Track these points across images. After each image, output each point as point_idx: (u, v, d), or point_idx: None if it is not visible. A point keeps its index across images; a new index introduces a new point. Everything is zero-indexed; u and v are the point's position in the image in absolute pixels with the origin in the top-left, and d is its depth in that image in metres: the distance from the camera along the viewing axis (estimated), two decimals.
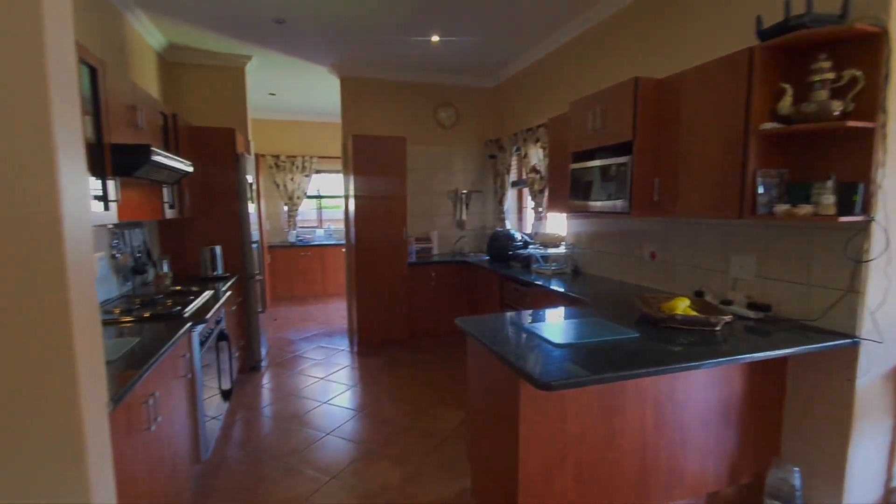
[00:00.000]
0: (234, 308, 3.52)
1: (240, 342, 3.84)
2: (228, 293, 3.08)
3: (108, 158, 2.07)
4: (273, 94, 5.91)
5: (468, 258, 4.76)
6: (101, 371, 1.28)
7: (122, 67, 3.24)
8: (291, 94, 5.87)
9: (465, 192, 5.20)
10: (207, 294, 2.89)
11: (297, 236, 7.10)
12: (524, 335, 1.89)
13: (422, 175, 5.09)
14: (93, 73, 2.01)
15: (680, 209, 2.28)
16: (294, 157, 7.11)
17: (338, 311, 6.36)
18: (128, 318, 2.24)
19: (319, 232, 7.38)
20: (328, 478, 2.46)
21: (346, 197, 4.83)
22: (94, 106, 2.01)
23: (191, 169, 2.80)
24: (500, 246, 4.37)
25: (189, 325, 2.22)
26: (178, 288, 3.06)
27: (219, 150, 3.82)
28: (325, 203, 7.71)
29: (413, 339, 4.68)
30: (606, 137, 2.61)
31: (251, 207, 4.14)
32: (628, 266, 3.12)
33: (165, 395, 1.89)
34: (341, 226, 7.54)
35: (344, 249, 5.09)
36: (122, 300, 2.71)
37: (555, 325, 2.01)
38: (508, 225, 4.93)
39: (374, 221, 4.37)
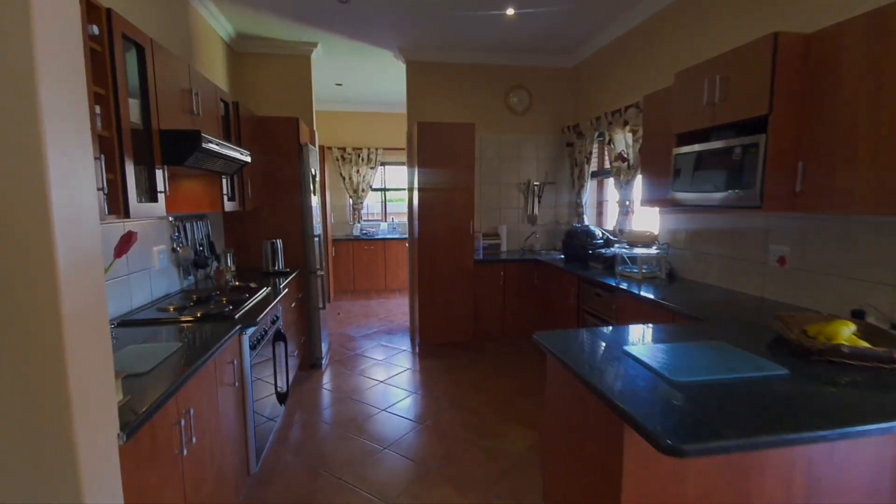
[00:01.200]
0: (293, 304, 3.38)
1: (300, 339, 3.71)
2: (286, 290, 2.92)
3: (156, 145, 1.92)
4: (339, 85, 5.79)
5: (540, 256, 4.34)
6: (109, 394, 1.06)
7: (191, 58, 3.17)
8: (357, 83, 5.71)
9: (537, 183, 4.77)
10: (264, 292, 2.74)
11: (361, 230, 7.02)
12: (625, 363, 1.49)
13: (490, 165, 4.72)
14: (140, 52, 1.85)
15: (835, 202, 1.74)
16: (360, 148, 7.01)
17: (399, 308, 6.19)
18: (178, 318, 2.10)
19: (383, 225, 7.25)
20: (383, 503, 2.20)
21: (410, 189, 4.58)
22: (142, 88, 1.86)
23: (248, 159, 2.65)
24: (578, 244, 3.91)
25: (238, 328, 2.03)
26: (237, 283, 2.95)
27: (282, 140, 3.70)
28: (389, 196, 7.57)
29: (477, 341, 4.36)
30: (727, 113, 2.10)
31: (314, 200, 4.00)
32: (743, 272, 2.57)
33: (207, 408, 1.70)
34: (405, 219, 7.37)
35: (407, 244, 4.84)
36: (180, 296, 2.62)
37: (665, 350, 1.57)
38: (587, 220, 4.43)
39: (439, 215, 4.08)
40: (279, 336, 2.77)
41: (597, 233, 3.90)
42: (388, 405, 3.26)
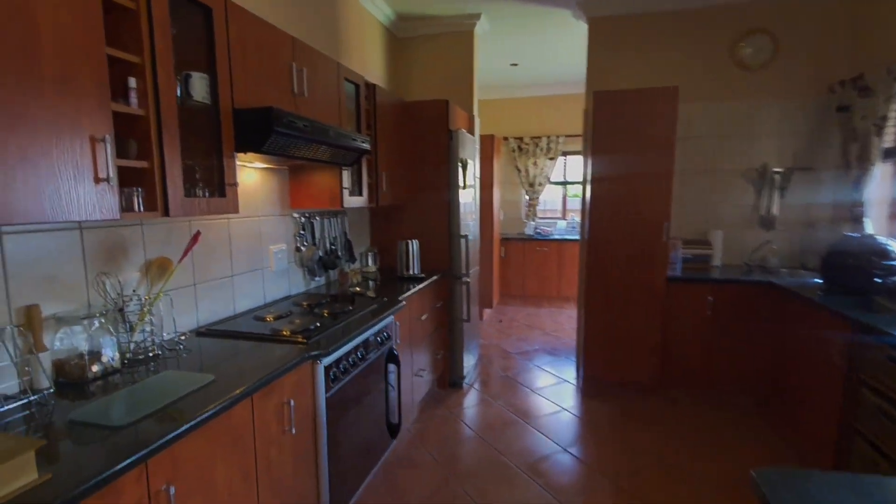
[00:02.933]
0: (423, 316, 2.90)
1: (437, 353, 3.24)
2: (406, 302, 2.44)
3: (226, 129, 1.59)
4: (515, 65, 5.14)
5: (777, 277, 2.91)
6: None
7: (344, 46, 2.96)
8: (534, 59, 4.97)
9: (778, 170, 3.26)
10: (375, 304, 2.30)
11: (536, 228, 6.28)
12: None
13: (700, 146, 3.43)
14: (206, 12, 1.53)
15: None
16: (539, 137, 6.25)
17: (571, 322, 5.25)
18: (253, 333, 1.78)
19: (561, 224, 6.36)
20: None
21: (584, 181, 3.65)
22: (209, 55, 1.54)
23: (365, 146, 2.23)
24: (853, 264, 2.42)
25: (306, 357, 1.59)
26: (358, 290, 2.60)
27: (428, 126, 3.25)
28: (570, 190, 6.61)
29: (663, 386, 3.20)
30: None
31: (467, 195, 3.46)
32: None
33: (217, 477, 1.27)
34: None
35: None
36: (292, 301, 2.37)
37: None
38: (869, 226, 2.79)
39: (618, 213, 3.07)
40: (392, 357, 2.31)
41: (891, 248, 2.35)
42: (528, 459, 2.50)
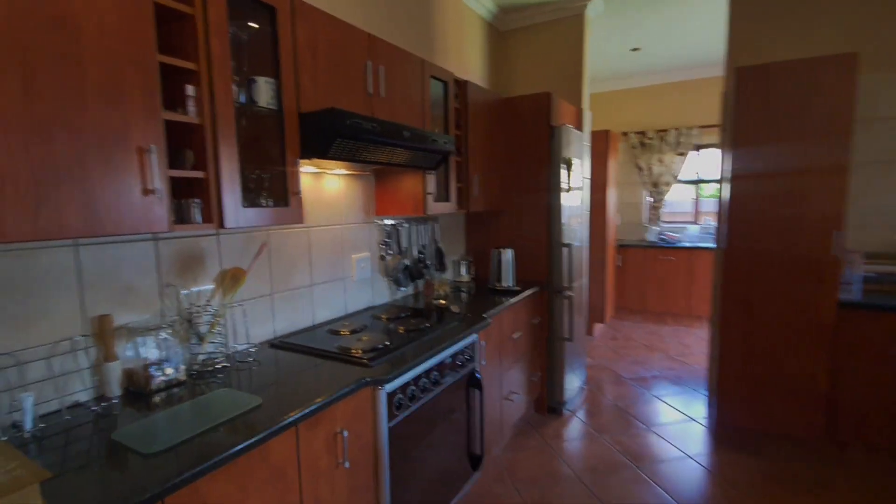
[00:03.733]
0: (516, 335, 2.60)
1: (533, 375, 2.92)
2: (485, 323, 2.18)
3: (290, 134, 1.50)
4: (636, 50, 4.56)
5: None
6: None
7: (446, 45, 2.83)
8: (658, 41, 4.34)
9: None
10: (454, 323, 2.08)
11: (660, 234, 5.51)
12: None
13: (891, 130, 2.59)
14: (271, 12, 1.45)
15: None
16: (665, 130, 5.49)
17: (700, 344, 4.47)
18: (320, 350, 1.68)
19: (693, 229, 5.50)
20: None
21: (721, 179, 3.01)
22: (274, 55, 1.46)
23: (448, 147, 2.03)
24: None
25: (365, 382, 1.43)
26: (442, 302, 2.40)
27: (527, 123, 2.95)
28: (704, 190, 5.69)
29: (832, 443, 2.45)
30: None
31: (572, 198, 3.08)
32: None
33: None
34: None
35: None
36: (373, 312, 2.27)
37: None
38: None
39: (768, 217, 2.44)
40: (474, 381, 2.07)
41: None
42: None
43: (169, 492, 0.93)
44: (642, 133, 5.64)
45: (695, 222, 5.67)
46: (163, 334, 1.41)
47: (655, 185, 5.63)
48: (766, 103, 2.37)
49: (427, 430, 1.76)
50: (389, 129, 1.67)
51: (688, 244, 5.23)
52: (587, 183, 3.61)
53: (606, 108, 5.85)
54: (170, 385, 1.39)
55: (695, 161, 5.56)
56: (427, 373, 1.73)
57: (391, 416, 1.54)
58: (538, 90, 3.58)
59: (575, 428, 2.91)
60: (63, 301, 1.25)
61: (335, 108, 1.46)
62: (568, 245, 2.97)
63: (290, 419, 1.18)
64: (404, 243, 2.59)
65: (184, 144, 1.29)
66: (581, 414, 3.10)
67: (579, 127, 3.49)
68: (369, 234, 2.36)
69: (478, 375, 2.08)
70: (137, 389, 1.36)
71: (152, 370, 1.37)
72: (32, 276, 1.19)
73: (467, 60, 3.29)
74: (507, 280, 2.77)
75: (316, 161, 1.65)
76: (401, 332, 1.91)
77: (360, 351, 1.64)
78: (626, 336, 4.81)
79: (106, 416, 1.21)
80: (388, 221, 2.47)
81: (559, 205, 2.93)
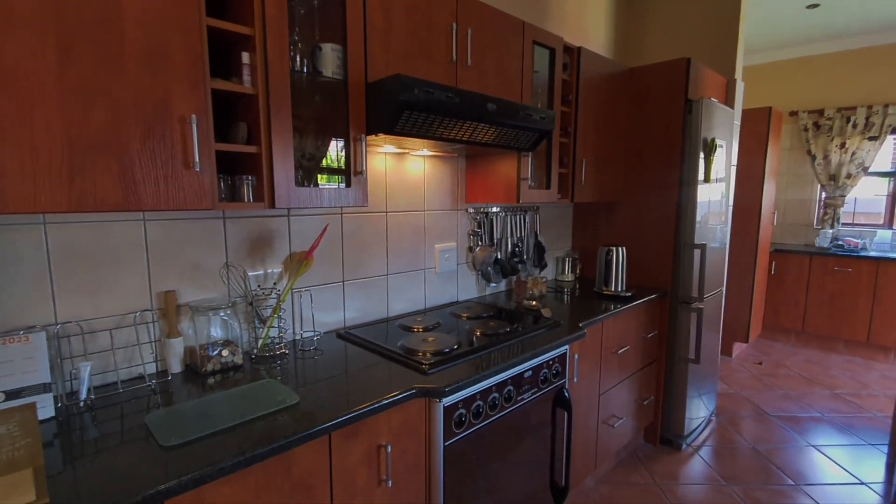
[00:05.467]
0: (621, 350, 2.19)
1: (644, 399, 2.46)
2: (580, 334, 1.82)
3: (355, 106, 1.35)
4: (814, 6, 3.60)
5: None
6: None
7: (563, 11, 2.49)
8: None
9: None
10: (543, 330, 1.77)
11: (836, 239, 4.38)
12: None
13: None
14: None
15: None
16: (851, 108, 4.32)
17: (885, 382, 3.45)
18: (382, 348, 1.52)
19: (883, 235, 4.26)
20: None
21: None
22: (341, 17, 1.32)
23: (547, 125, 1.71)
24: None
25: (416, 392, 1.23)
26: (533, 304, 2.10)
27: (657, 96, 2.46)
28: None
29: None
30: None
31: (712, 191, 2.52)
32: None
33: None
34: None
35: None
36: (455, 308, 2.06)
37: None
38: None
39: None
40: (562, 400, 1.76)
41: None
42: None
43: (168, 494, 0.83)
44: (819, 112, 4.51)
45: (889, 226, 4.39)
46: (223, 314, 1.38)
47: (833, 177, 4.48)
48: None
49: (497, 453, 1.51)
50: (468, 100, 1.43)
51: (875, 253, 4.07)
52: (733, 171, 2.94)
53: (769, 81, 4.81)
54: (225, 368, 1.36)
55: (892, 148, 4.29)
56: (499, 386, 1.47)
57: (448, 434, 1.33)
58: (675, 58, 2.99)
59: (695, 469, 2.40)
60: (131, 274, 1.26)
61: (401, 74, 1.26)
62: (702, 247, 2.42)
63: (321, 427, 1.04)
64: (497, 234, 2.34)
65: (238, 117, 1.21)
66: (705, 453, 2.55)
67: (729, 102, 2.84)
68: (457, 223, 2.16)
69: (566, 394, 1.76)
70: (195, 368, 1.35)
71: (210, 350, 1.34)
72: (104, 246, 1.21)
73: (587, 26, 2.87)
74: (617, 284, 2.35)
75: (392, 139, 1.48)
76: (477, 334, 1.67)
77: (423, 353, 1.45)
78: (777, 362, 3.92)
79: (157, 394, 1.20)
80: (480, 209, 2.24)
81: (693, 198, 2.40)
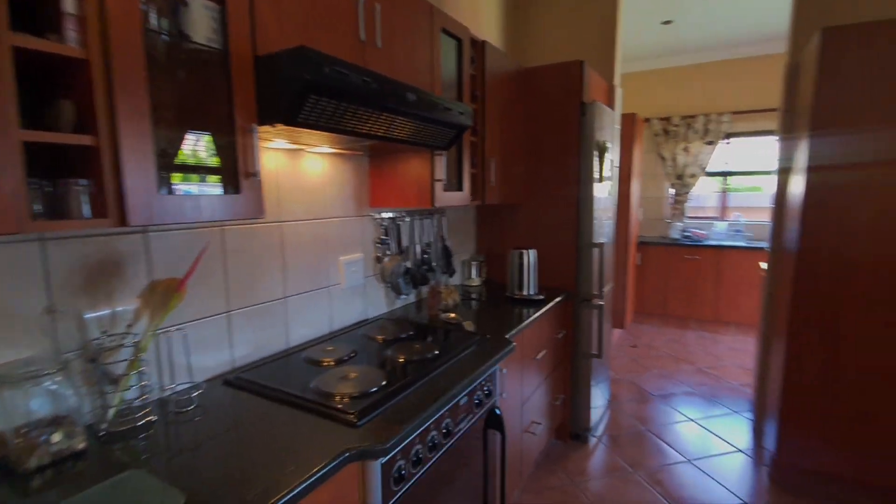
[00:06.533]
0: (540, 355, 2.15)
1: (556, 399, 2.47)
2: (510, 348, 1.71)
3: (239, 85, 1.02)
4: (668, 22, 4.04)
5: None
6: None
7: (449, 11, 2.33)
8: (693, 13, 3.83)
9: None
10: (473, 348, 1.61)
11: (684, 231, 5.05)
12: None
13: None
14: None
15: None
16: (692, 117, 5.00)
17: (733, 355, 4.03)
18: (284, 394, 1.21)
19: (720, 226, 5.03)
20: None
21: (783, 171, 2.54)
22: None
23: (465, 120, 1.55)
24: None
25: (341, 460, 0.97)
26: (452, 317, 1.94)
27: (553, 98, 2.47)
28: (733, 183, 5.20)
29: None
30: None
31: (603, 190, 2.61)
32: None
33: None
34: (762, 217, 4.91)
35: (766, 262, 2.81)
36: (366, 329, 1.80)
37: None
38: None
39: (860, 217, 1.97)
40: (494, 421, 1.61)
41: None
42: None
43: None
44: (666, 119, 5.14)
45: (722, 218, 5.19)
46: (50, 383, 0.95)
47: (680, 177, 5.15)
48: (863, 73, 1.89)
49: (434, 496, 1.30)
50: (389, 87, 1.19)
51: (714, 242, 4.77)
52: (616, 172, 3.13)
53: (628, 91, 5.34)
54: (60, 459, 0.93)
55: (724, 151, 5.07)
56: (437, 422, 1.27)
57: (387, 496, 1.08)
58: (562, 61, 3.08)
59: (603, 461, 2.47)
60: None
61: (305, 46, 0.97)
62: (600, 245, 2.50)
63: None
64: (405, 241, 2.12)
65: (58, 92, 0.81)
66: (609, 442, 2.66)
67: (611, 105, 3.00)
68: (362, 231, 1.89)
69: (498, 411, 1.63)
70: (10, 466, 0.90)
71: (32, 435, 0.91)
72: None
73: (482, 22, 2.79)
74: (530, 287, 2.30)
75: (289, 131, 1.17)
76: (401, 361, 1.45)
77: (344, 398, 1.17)
78: (648, 344, 4.36)
79: None
80: (386, 215, 2.00)
81: (591, 197, 2.46)
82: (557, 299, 2.32)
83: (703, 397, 3.23)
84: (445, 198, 1.83)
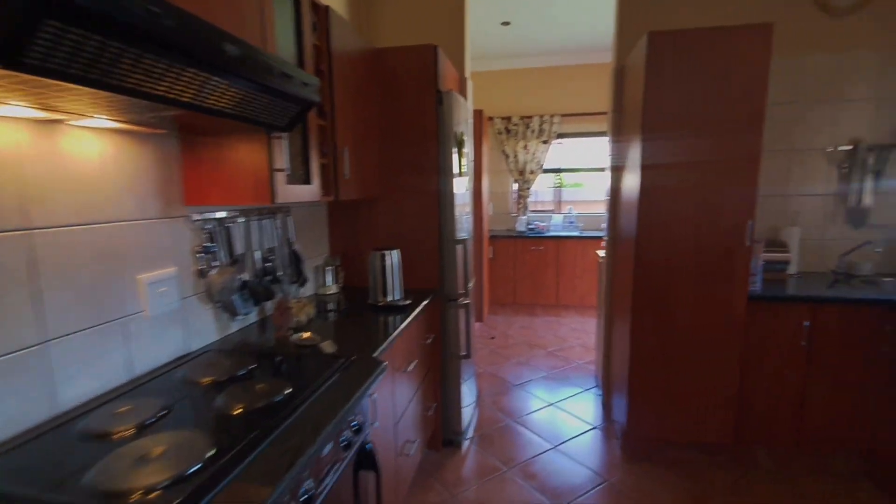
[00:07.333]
0: (411, 366, 1.93)
1: (428, 409, 2.28)
2: (382, 368, 1.46)
3: None
4: (506, 24, 4.19)
5: (882, 290, 2.12)
6: None
7: None
8: (529, 17, 4.03)
9: (873, 147, 2.48)
10: (336, 376, 1.31)
11: (528, 224, 5.39)
12: None
13: (770, 116, 2.59)
14: None
15: None
16: (529, 117, 5.34)
17: (576, 335, 4.40)
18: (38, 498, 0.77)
19: (556, 218, 5.49)
20: None
21: (614, 169, 2.76)
22: None
23: (310, 95, 1.23)
24: None
25: None
26: (304, 336, 1.59)
27: (407, 84, 2.26)
28: (565, 179, 5.74)
29: (742, 445, 2.36)
30: None
31: (462, 184, 2.51)
32: None
33: None
34: (590, 210, 5.49)
35: (602, 251, 3.04)
36: (186, 370, 1.35)
37: None
38: None
39: (681, 209, 2.19)
40: (367, 459, 1.33)
41: None
42: None
43: None
44: (507, 118, 5.41)
45: (558, 211, 5.69)
46: None
47: (522, 173, 5.47)
48: (681, 79, 2.09)
49: None
50: (195, 29, 0.82)
51: (552, 234, 5.18)
52: (472, 166, 3.09)
53: (475, 88, 5.47)
54: None
55: (557, 150, 5.55)
56: (294, 491, 0.95)
57: None
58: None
59: (478, 463, 2.38)
60: None
61: None
62: (463, 241, 2.39)
63: None
64: (239, 248, 1.69)
65: None
66: (480, 441, 2.59)
67: (464, 94, 2.92)
68: (174, 237, 1.42)
69: (369, 447, 1.35)
70: None
71: None
72: None
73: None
74: (395, 292, 2.06)
75: (11, 78, 0.71)
76: (237, 412, 1.07)
77: (149, 494, 0.78)
78: (504, 333, 4.51)
79: None
80: (211, 215, 1.55)
81: (452, 193, 2.33)
82: (425, 302, 2.13)
83: (557, 380, 3.42)
84: (290, 192, 1.47)
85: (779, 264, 2.48)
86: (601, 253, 3.08)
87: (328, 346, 1.48)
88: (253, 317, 1.83)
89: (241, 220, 1.69)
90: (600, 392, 3.11)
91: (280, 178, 1.40)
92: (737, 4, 2.53)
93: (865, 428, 2.18)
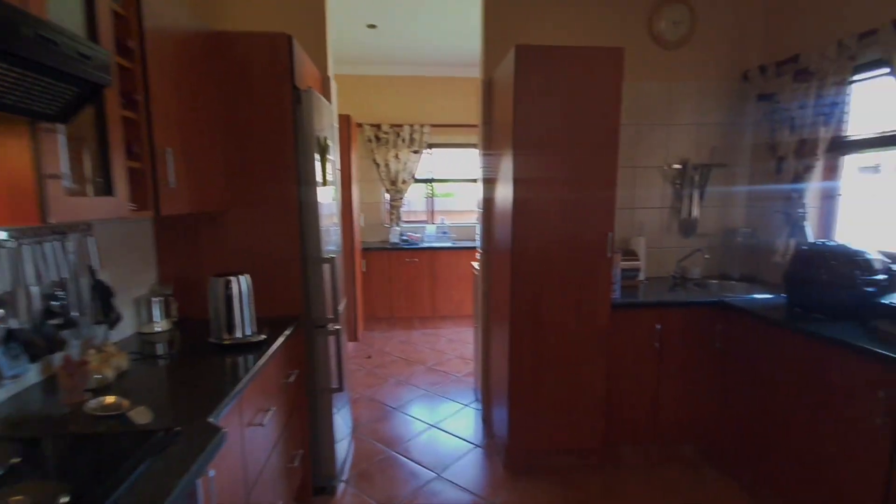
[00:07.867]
0: (266, 416, 1.60)
1: (293, 459, 1.94)
2: (220, 437, 1.13)
3: None
4: (373, 27, 4.00)
5: (728, 297, 2.41)
6: None
7: None
8: (396, 22, 3.90)
9: (697, 166, 2.83)
10: (146, 465, 0.95)
11: (402, 234, 5.23)
12: None
13: (621, 136, 2.81)
14: None
15: None
16: (400, 126, 5.21)
17: (453, 347, 4.37)
18: None
19: (430, 229, 5.44)
20: None
21: (487, 181, 2.74)
22: None
23: (98, 75, 0.88)
24: (826, 280, 1.98)
25: None
26: (109, 402, 1.18)
27: (259, 75, 1.93)
28: (437, 189, 5.74)
29: (609, 447, 2.47)
30: None
31: (327, 195, 2.23)
32: None
33: None
34: (462, 220, 5.55)
35: (477, 263, 3.00)
36: None
37: None
38: (809, 232, 2.46)
39: (550, 222, 2.21)
40: None
41: (871, 258, 1.95)
42: None
43: None
44: (377, 126, 5.21)
45: (430, 222, 5.64)
46: None
47: (394, 182, 5.31)
48: (551, 89, 2.11)
49: None
50: None
51: (426, 245, 5.11)
52: (338, 176, 2.82)
53: (343, 93, 5.15)
54: None
55: (428, 160, 5.51)
56: None
57: None
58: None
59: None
60: None
61: None
62: (331, 260, 2.11)
63: None
64: (5, 284, 1.20)
65: None
66: (358, 481, 2.32)
67: (327, 96, 2.64)
68: None
69: None
70: None
71: None
72: None
73: None
74: (244, 327, 1.70)
75: None
76: None
77: None
78: (381, 350, 4.28)
79: None
80: None
81: (315, 203, 2.04)
82: (286, 333, 1.81)
83: (437, 397, 3.30)
84: (75, 207, 1.07)
85: (632, 272, 2.69)
86: (476, 265, 3.05)
87: (140, 415, 1.10)
88: (33, 377, 1.33)
89: (9, 243, 1.21)
90: (480, 407, 3.06)
91: (54, 187, 0.99)
92: (587, 24, 2.70)
93: (705, 419, 2.43)
